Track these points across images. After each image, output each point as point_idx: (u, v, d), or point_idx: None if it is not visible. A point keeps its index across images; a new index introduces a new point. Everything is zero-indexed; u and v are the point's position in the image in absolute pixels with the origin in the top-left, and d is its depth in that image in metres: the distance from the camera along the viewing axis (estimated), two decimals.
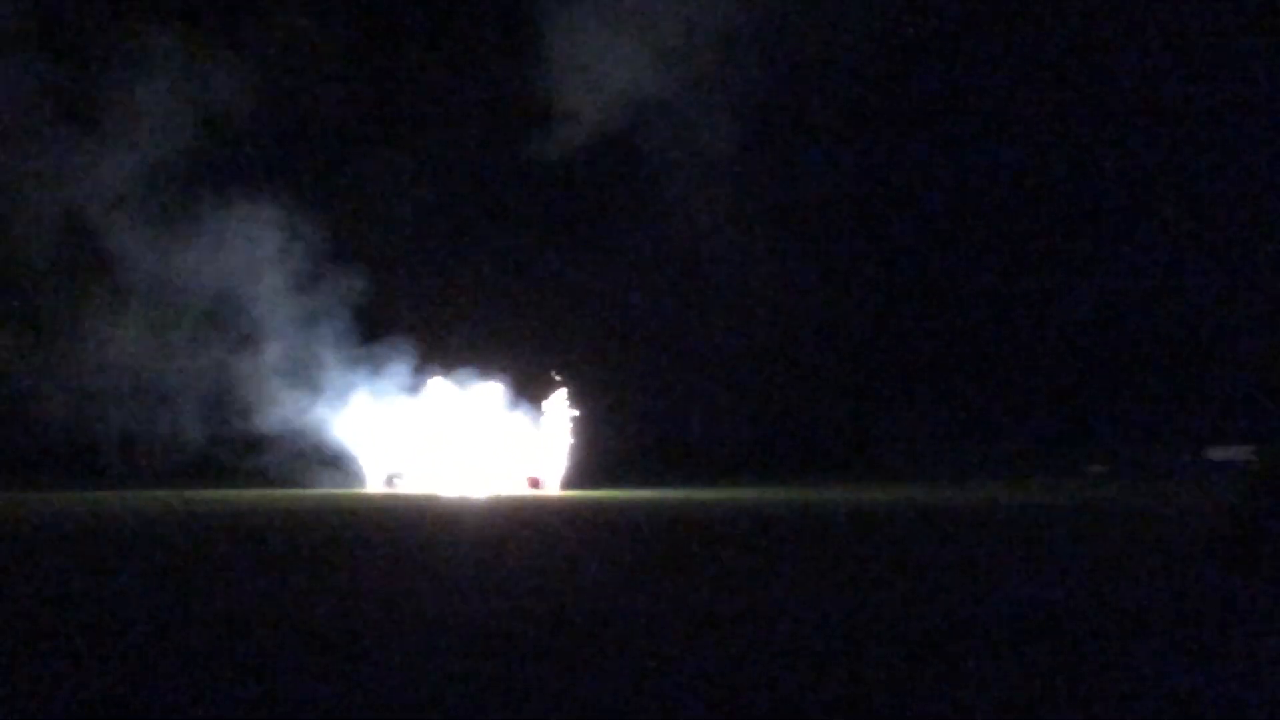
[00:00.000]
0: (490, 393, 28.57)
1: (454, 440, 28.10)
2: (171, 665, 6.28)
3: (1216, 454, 31.01)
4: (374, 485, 28.20)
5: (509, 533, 16.71)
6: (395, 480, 28.29)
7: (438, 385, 28.64)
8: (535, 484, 27.97)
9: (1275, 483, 20.09)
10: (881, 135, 38.67)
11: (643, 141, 33.43)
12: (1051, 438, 36.49)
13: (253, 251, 28.33)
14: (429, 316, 30.64)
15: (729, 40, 31.34)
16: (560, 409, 28.39)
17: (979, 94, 39.34)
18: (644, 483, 29.06)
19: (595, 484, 28.11)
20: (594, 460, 28.69)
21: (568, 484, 28.08)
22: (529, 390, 28.80)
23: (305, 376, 29.08)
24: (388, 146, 30.90)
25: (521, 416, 28.46)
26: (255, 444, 28.32)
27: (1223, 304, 34.94)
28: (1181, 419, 33.08)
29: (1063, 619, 7.95)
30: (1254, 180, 34.93)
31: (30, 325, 28.89)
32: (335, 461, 28.51)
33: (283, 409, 28.40)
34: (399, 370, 28.98)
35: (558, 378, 28.56)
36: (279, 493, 26.46)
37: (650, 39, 30.69)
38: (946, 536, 15.97)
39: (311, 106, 30.47)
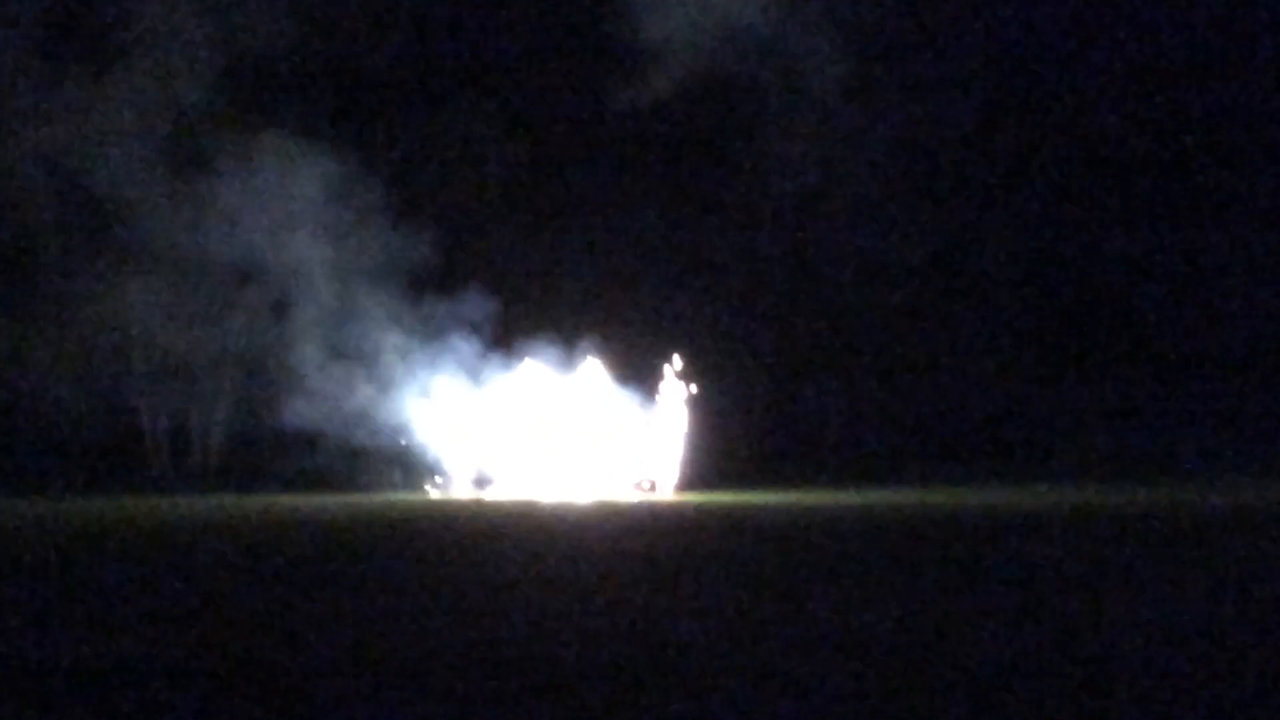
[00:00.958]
0: (591, 375, 24.60)
1: (552, 434, 24.25)
2: None
3: None
4: (461, 490, 24.43)
5: (634, 546, 12.82)
6: (485, 484, 24.48)
7: (530, 368, 24.74)
8: (648, 487, 23.90)
9: None
10: (1022, 73, 33.82)
11: (753, 85, 29.43)
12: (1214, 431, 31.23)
13: (314, 221, 24.78)
14: (516, 287, 26.83)
15: None
16: (675, 394, 24.21)
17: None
18: (773, 484, 24.87)
19: (714, 487, 24.06)
20: (715, 461, 24.53)
21: (684, 486, 23.97)
22: (636, 372, 24.71)
23: (375, 364, 25.58)
24: (463, 94, 27.29)
25: (628, 404, 24.38)
26: (313, 443, 24.91)
27: None
28: None
29: None
30: None
31: (57, 307, 25.98)
32: (415, 464, 24.91)
33: (347, 402, 24.92)
34: (485, 353, 25.23)
35: (673, 357, 24.31)
36: (354, 499, 23.02)
37: None
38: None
39: (374, 47, 27.02)
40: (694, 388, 24.37)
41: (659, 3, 26.43)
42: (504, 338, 25.12)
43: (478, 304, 24.87)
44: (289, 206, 24.79)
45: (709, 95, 27.65)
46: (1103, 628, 7.05)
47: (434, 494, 24.48)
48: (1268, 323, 31.57)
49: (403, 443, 25.14)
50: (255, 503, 22.14)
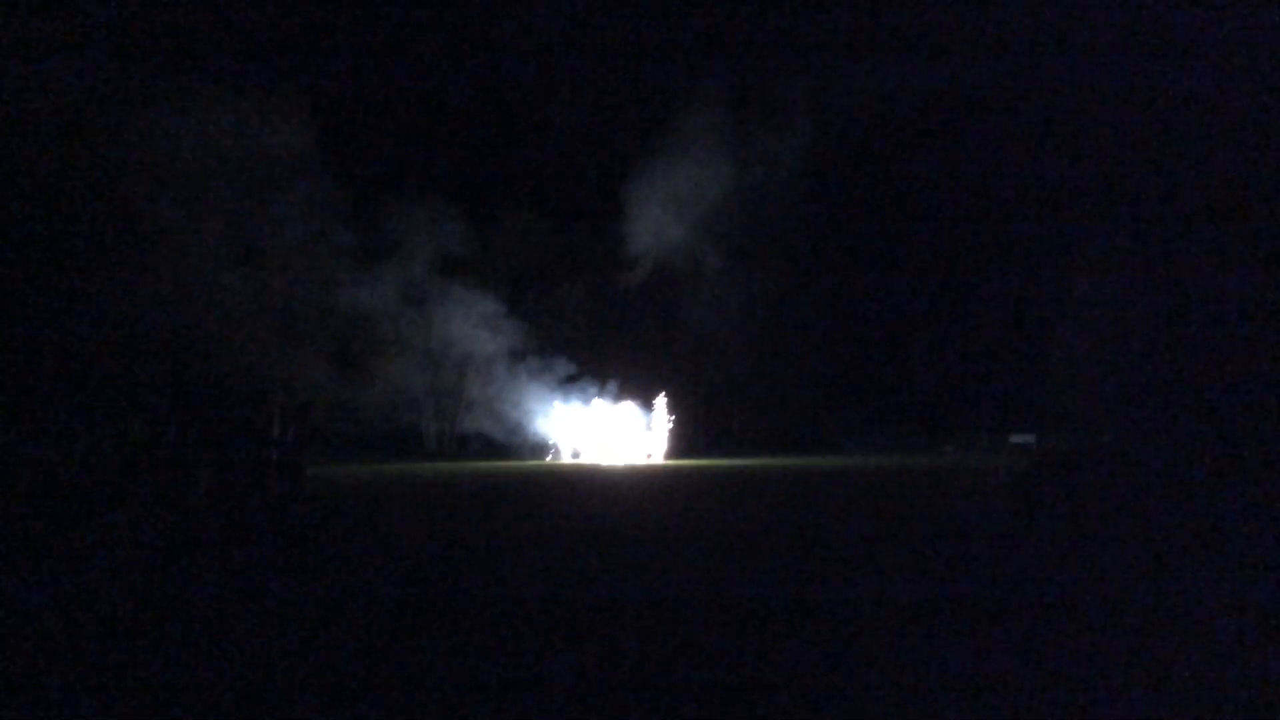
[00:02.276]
0: (625, 403, 50.45)
1: (606, 430, 50.16)
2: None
3: (1015, 439, 48.72)
4: (566, 458, 50.89)
5: (646, 481, 38.08)
6: (577, 455, 50.82)
7: (599, 401, 50.83)
8: (649, 456, 49.65)
9: (1046, 457, 38.87)
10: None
11: None
12: (925, 428, 55.87)
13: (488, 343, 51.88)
14: (600, 361, 53.23)
15: None
16: (663, 410, 49.88)
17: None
18: (711, 454, 50.35)
19: (683, 456, 49.53)
20: (682, 443, 50.14)
21: (668, 456, 49.62)
22: (645, 398, 50.51)
23: (529, 395, 52.22)
24: None
25: (642, 415, 50.17)
26: (506, 433, 51.98)
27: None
28: (998, 415, 50.88)
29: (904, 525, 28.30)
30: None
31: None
32: (542, 445, 51.59)
33: (516, 413, 51.67)
34: (582, 390, 51.48)
35: (662, 396, 50.10)
36: (520, 462, 49.40)
37: None
38: (870, 482, 36.08)
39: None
40: (671, 406, 49.89)
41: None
42: (580, 384, 51.29)
43: (564, 368, 51.36)
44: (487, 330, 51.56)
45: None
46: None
47: (551, 460, 50.64)
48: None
49: (535, 435, 51.68)
50: (471, 465, 48.73)
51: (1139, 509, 19.39)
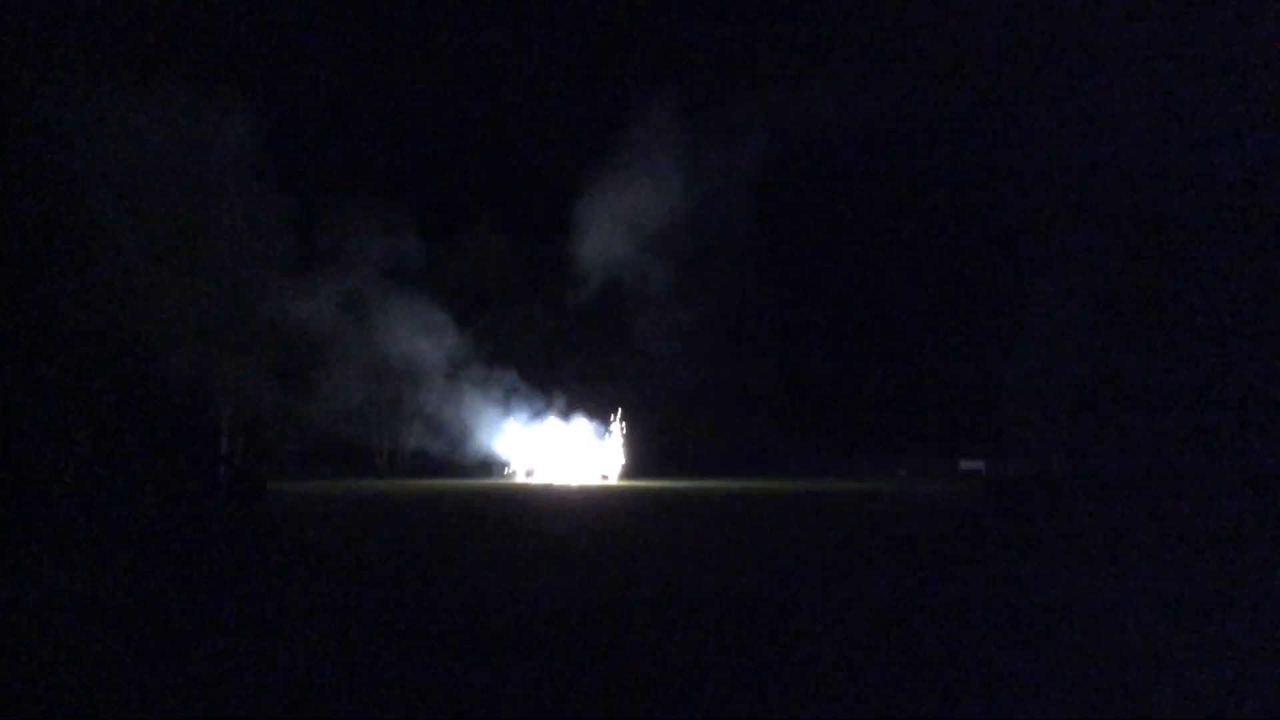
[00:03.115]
0: (580, 423, 50.42)
1: (560, 450, 50.05)
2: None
3: (965, 465, 49.81)
4: (519, 477, 50.61)
5: (597, 501, 38.07)
6: (530, 474, 50.60)
7: (552, 420, 50.72)
8: (604, 477, 49.60)
9: (994, 484, 39.66)
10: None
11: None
12: (880, 454, 56.97)
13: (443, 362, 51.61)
14: (554, 380, 53.18)
15: None
16: (617, 433, 49.94)
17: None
18: (661, 477, 50.48)
19: (637, 477, 49.54)
20: (636, 463, 50.19)
21: (621, 477, 49.60)
22: (601, 420, 50.53)
23: (484, 413, 51.94)
24: None
25: (596, 436, 50.16)
26: (458, 451, 51.59)
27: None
28: (947, 441, 51.96)
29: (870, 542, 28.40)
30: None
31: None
32: (498, 463, 51.28)
33: (470, 433, 51.37)
34: (535, 408, 51.34)
35: (616, 415, 50.18)
36: (472, 481, 49.06)
37: None
38: (819, 505, 36.34)
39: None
40: (626, 427, 49.97)
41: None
42: (533, 402, 51.20)
43: (518, 385, 51.26)
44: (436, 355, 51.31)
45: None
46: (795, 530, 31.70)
47: (507, 479, 50.35)
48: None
49: (489, 453, 51.39)
50: (423, 482, 48.25)
51: (1080, 532, 20.08)
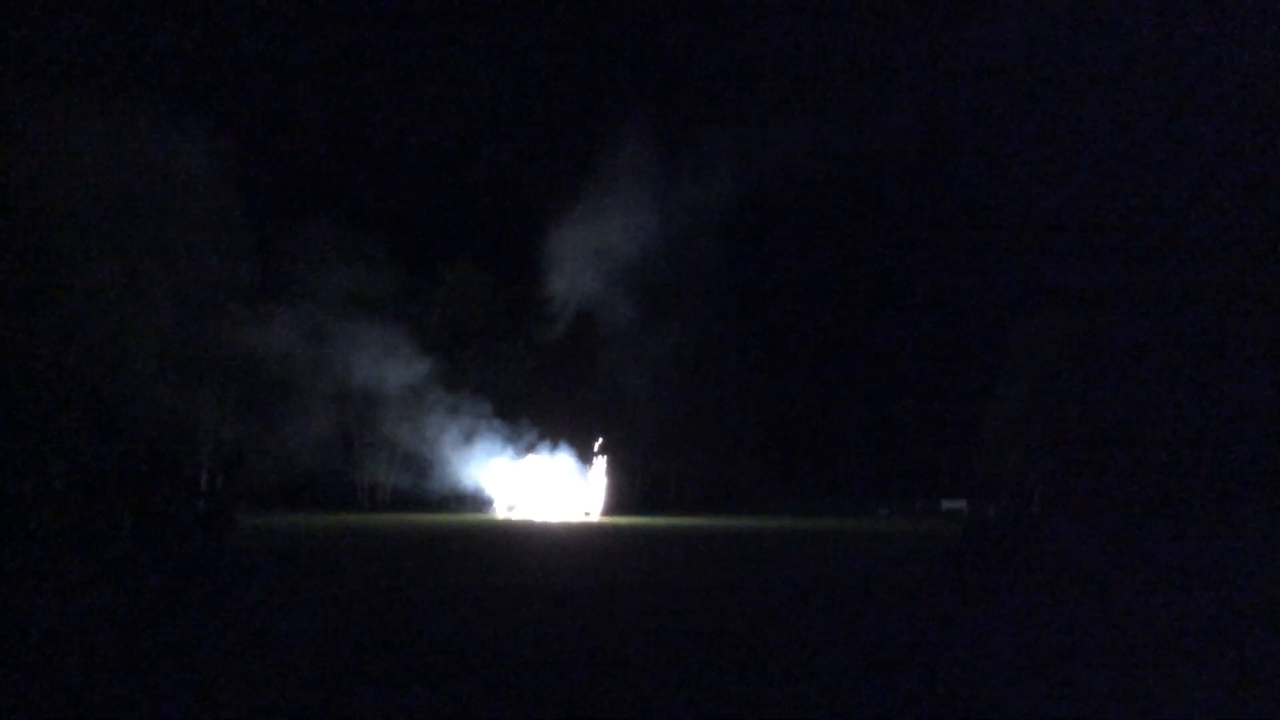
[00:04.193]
0: (562, 459, 50.24)
1: (543, 486, 49.80)
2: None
3: (947, 504, 50.02)
4: (500, 513, 50.30)
5: (579, 540, 37.77)
6: (512, 510, 50.30)
7: (536, 455, 50.53)
8: (586, 514, 49.35)
9: (975, 523, 39.51)
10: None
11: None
12: (862, 493, 57.17)
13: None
14: (535, 416, 53.15)
15: None
16: (600, 471, 49.76)
17: None
18: (646, 512, 50.21)
19: (619, 514, 49.28)
20: (618, 500, 49.97)
21: (605, 513, 49.38)
22: (584, 457, 50.37)
23: (465, 449, 51.68)
24: None
25: (579, 473, 49.98)
26: (433, 486, 51.22)
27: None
28: (929, 481, 52.27)
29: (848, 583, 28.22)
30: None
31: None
32: (481, 499, 50.99)
33: (452, 469, 51.06)
34: (517, 445, 51.14)
35: (598, 451, 50.02)
36: (453, 516, 48.66)
37: None
38: (799, 543, 36.18)
39: None
40: (608, 464, 49.82)
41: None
42: (515, 438, 51.02)
43: (500, 421, 51.11)
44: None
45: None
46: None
47: (487, 515, 50.00)
48: None
49: (471, 488, 51.05)
50: (405, 517, 47.85)
51: (1060, 572, 20.13)
